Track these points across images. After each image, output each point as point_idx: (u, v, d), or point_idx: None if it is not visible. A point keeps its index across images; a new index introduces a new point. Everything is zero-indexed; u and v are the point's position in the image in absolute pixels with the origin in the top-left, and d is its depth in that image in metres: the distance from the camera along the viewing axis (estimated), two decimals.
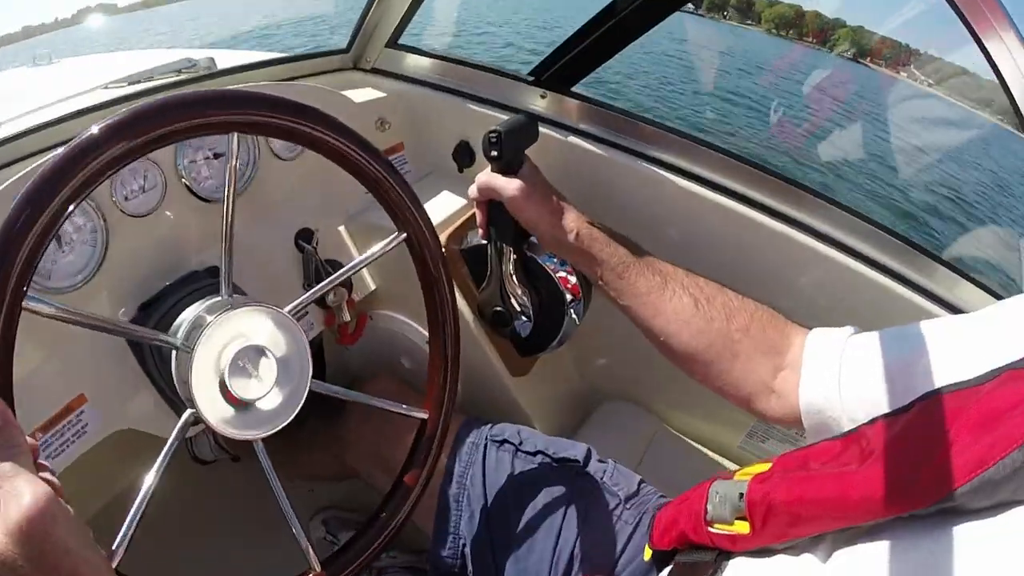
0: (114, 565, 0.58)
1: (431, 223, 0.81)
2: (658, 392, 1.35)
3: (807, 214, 1.06)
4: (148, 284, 0.88)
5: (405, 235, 0.80)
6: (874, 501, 0.53)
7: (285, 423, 0.70)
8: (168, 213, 0.90)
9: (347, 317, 1.05)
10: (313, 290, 0.77)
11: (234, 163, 0.67)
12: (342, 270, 0.79)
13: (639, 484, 0.98)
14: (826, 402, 0.72)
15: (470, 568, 0.94)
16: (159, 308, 0.84)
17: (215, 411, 0.66)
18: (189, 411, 0.67)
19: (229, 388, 0.65)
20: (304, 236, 1.03)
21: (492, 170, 0.93)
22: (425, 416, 0.84)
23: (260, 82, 1.22)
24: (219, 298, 0.74)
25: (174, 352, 0.70)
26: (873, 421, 0.60)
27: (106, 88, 1.34)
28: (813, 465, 0.62)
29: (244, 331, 0.67)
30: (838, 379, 0.72)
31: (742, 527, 0.63)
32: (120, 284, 0.85)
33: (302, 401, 0.71)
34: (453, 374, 0.86)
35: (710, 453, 1.34)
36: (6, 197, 0.75)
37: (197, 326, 0.71)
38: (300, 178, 1.06)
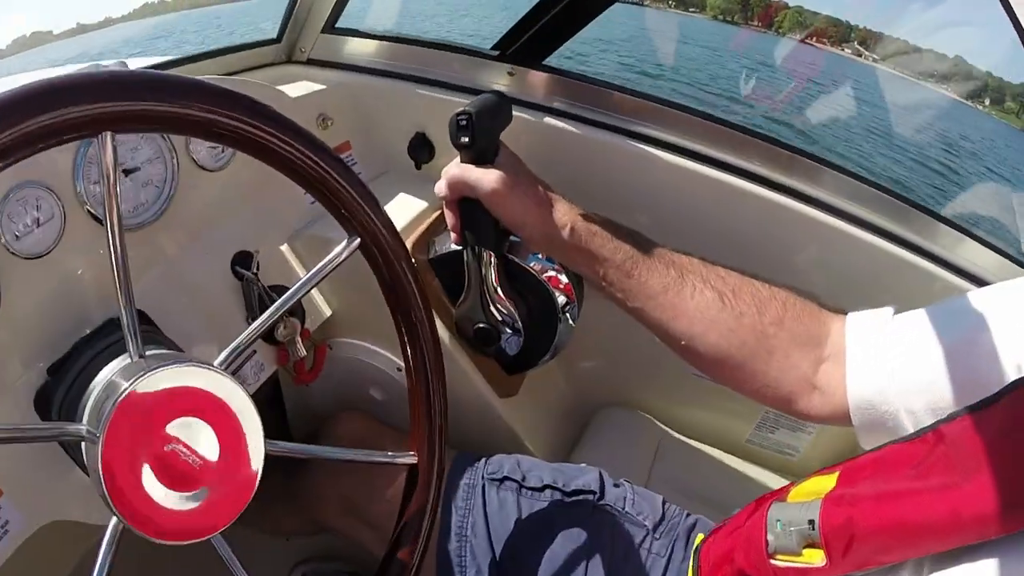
0: None
1: (392, 224, 0.64)
2: (655, 393, 1.26)
3: (804, 182, 0.98)
4: (56, 340, 0.71)
5: (359, 240, 0.62)
6: (990, 518, 0.46)
7: (243, 508, 0.54)
8: (72, 250, 0.73)
9: (302, 352, 0.89)
10: (251, 328, 0.60)
11: (111, 175, 0.48)
12: (285, 296, 0.62)
13: (663, 506, 0.87)
14: (878, 394, 0.64)
15: None
16: (72, 369, 0.67)
17: (136, 512, 0.50)
18: (114, 519, 0.50)
19: (154, 478, 0.49)
20: (241, 261, 0.86)
21: (462, 160, 0.78)
22: (414, 461, 0.68)
23: None
24: (128, 359, 0.57)
25: (83, 444, 0.53)
26: (952, 417, 0.52)
27: None
28: (898, 478, 0.54)
29: (156, 400, 0.51)
30: (889, 367, 0.63)
31: (814, 557, 0.56)
32: (22, 343, 0.69)
33: (259, 475, 0.55)
34: (440, 407, 0.70)
35: (718, 452, 1.26)
36: None
37: (102, 402, 0.55)
38: (231, 192, 0.89)
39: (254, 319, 0.85)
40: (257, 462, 0.54)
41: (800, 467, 1.21)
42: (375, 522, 0.81)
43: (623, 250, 0.75)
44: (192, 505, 0.51)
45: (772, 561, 0.58)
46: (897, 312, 0.68)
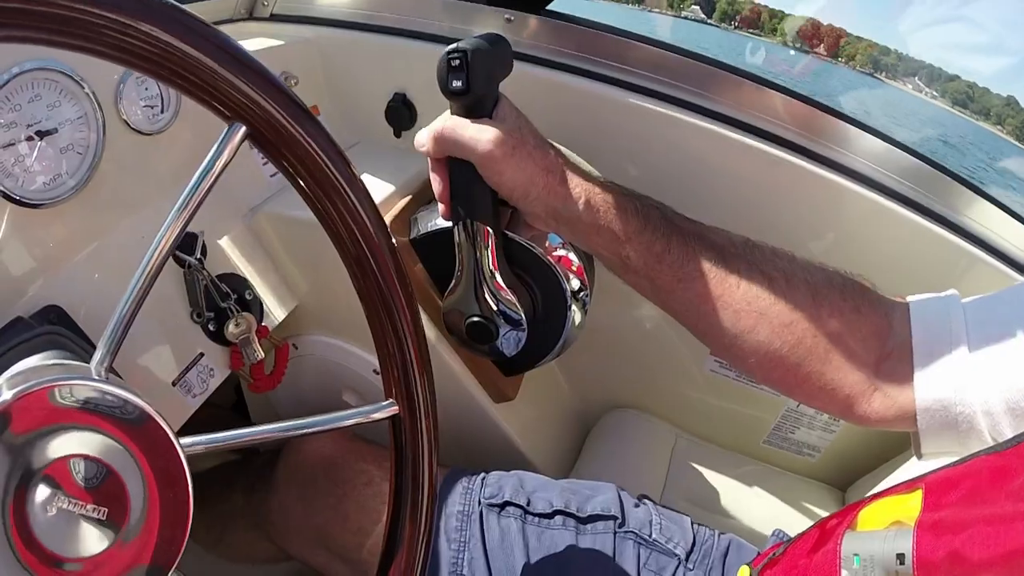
0: None
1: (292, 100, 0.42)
2: (667, 393, 1.15)
3: (838, 148, 0.87)
4: None
5: (243, 128, 0.40)
6: None
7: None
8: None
9: (260, 353, 0.73)
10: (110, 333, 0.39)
11: None
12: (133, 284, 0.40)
13: (693, 528, 0.75)
14: (952, 393, 0.54)
15: None
16: None
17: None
18: None
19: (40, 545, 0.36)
20: (183, 245, 0.71)
21: (453, 112, 0.62)
22: (395, 411, 0.49)
23: None
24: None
25: None
26: None
27: None
28: (1001, 499, 0.44)
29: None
30: (964, 362, 0.54)
31: None
32: None
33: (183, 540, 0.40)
34: (429, 420, 0.52)
35: (735, 455, 1.16)
36: None
37: None
38: (171, 160, 0.74)
39: (199, 315, 0.71)
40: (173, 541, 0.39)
41: (820, 469, 1.13)
42: (350, 556, 0.68)
43: (650, 227, 0.60)
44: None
45: None
46: (963, 298, 0.58)
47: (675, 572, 0.69)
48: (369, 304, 0.47)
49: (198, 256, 0.70)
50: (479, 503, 0.72)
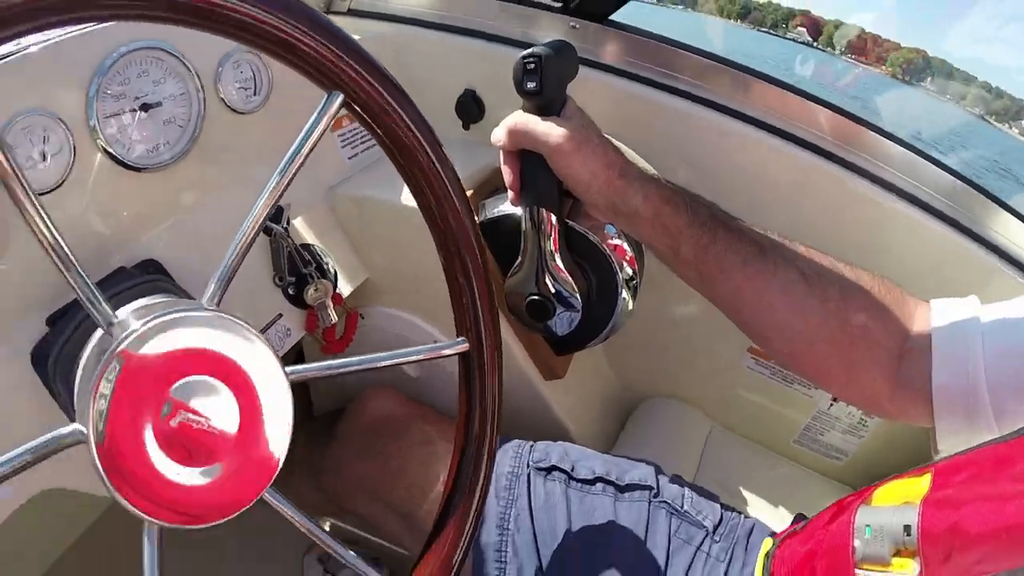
0: None
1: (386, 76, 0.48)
2: (705, 386, 1.20)
3: (875, 161, 0.91)
4: (60, 288, 0.64)
5: (341, 97, 0.46)
6: None
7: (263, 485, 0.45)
8: (81, 189, 0.66)
9: (333, 318, 0.81)
10: (222, 270, 0.47)
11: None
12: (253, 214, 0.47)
13: (721, 506, 0.80)
14: (967, 390, 0.59)
15: None
16: (71, 322, 0.61)
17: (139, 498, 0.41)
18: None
19: (163, 453, 0.41)
20: (271, 215, 0.78)
21: (525, 110, 0.69)
22: (465, 348, 0.56)
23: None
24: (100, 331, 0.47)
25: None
26: None
27: None
28: (1002, 480, 0.49)
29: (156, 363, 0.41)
30: (980, 361, 0.59)
31: (905, 566, 0.51)
32: (22, 292, 0.62)
33: (288, 438, 0.46)
34: (494, 359, 0.58)
35: (765, 451, 1.20)
36: None
37: (85, 385, 0.46)
38: (262, 138, 0.81)
39: (281, 279, 0.78)
40: (282, 438, 0.45)
41: (847, 472, 1.16)
42: (404, 509, 0.74)
43: (698, 222, 0.66)
44: (199, 478, 0.42)
45: (858, 570, 0.54)
46: (983, 304, 0.63)
47: (702, 542, 0.75)
48: (446, 251, 0.54)
49: (284, 225, 0.78)
50: (528, 466, 0.79)
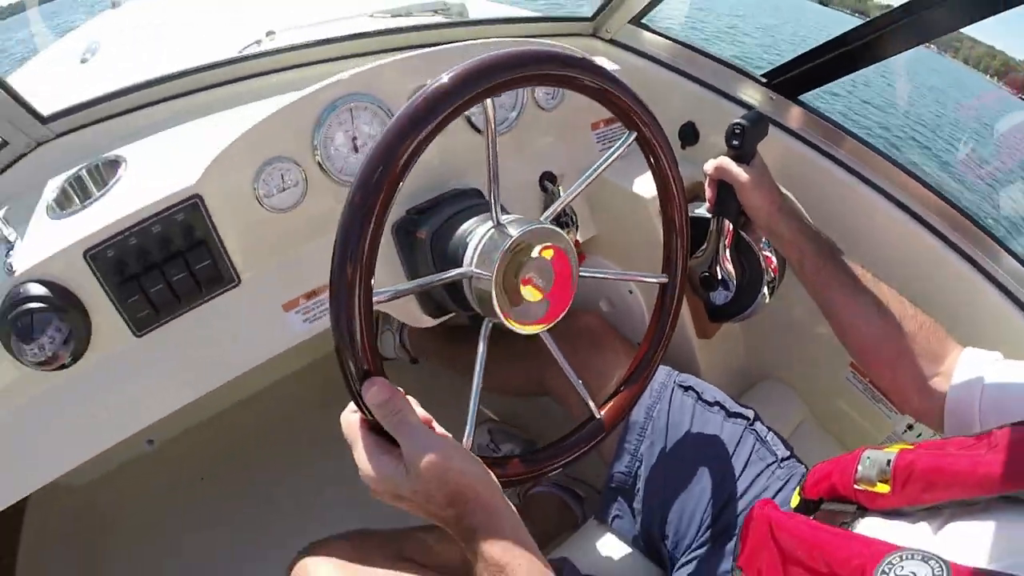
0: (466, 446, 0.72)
1: (658, 124, 0.86)
2: (813, 382, 1.44)
3: (982, 255, 1.13)
4: (417, 195, 1.05)
5: (635, 134, 0.84)
6: (992, 478, 0.64)
7: (562, 315, 0.82)
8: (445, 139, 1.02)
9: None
10: (570, 191, 0.86)
11: (491, 114, 0.73)
12: (586, 174, 0.85)
13: (791, 452, 1.10)
14: (968, 409, 0.86)
15: (639, 486, 1.09)
16: (428, 216, 1.01)
17: (512, 316, 0.78)
18: (488, 320, 0.79)
19: (521, 296, 0.77)
20: (549, 178, 1.20)
21: (727, 155, 1.06)
22: (664, 280, 0.94)
23: (509, 36, 1.40)
24: (490, 221, 0.81)
25: (465, 282, 0.80)
26: (1002, 426, 0.70)
27: (371, 17, 1.54)
28: (951, 449, 0.72)
29: (527, 244, 0.78)
30: (981, 394, 0.85)
31: (883, 488, 0.74)
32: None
33: (571, 297, 0.82)
34: (679, 292, 0.94)
35: (841, 451, 1.41)
36: (318, 101, 0.96)
37: (489, 250, 0.79)
38: (554, 128, 1.22)
39: (555, 220, 1.17)
40: (574, 284, 0.82)
41: None
42: (589, 389, 0.92)
43: (820, 250, 1.01)
44: (534, 309, 0.80)
45: (855, 485, 0.76)
46: (1002, 359, 0.89)
47: (770, 465, 1.06)
48: (667, 221, 0.91)
49: (556, 187, 1.19)
50: (674, 382, 1.15)
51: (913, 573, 0.59)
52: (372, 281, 0.61)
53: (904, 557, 0.61)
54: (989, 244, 1.12)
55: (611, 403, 0.92)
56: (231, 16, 2.02)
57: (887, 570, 0.61)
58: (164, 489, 1.80)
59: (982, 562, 0.61)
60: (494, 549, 0.61)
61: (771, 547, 0.77)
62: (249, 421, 1.93)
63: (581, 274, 0.83)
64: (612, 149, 0.84)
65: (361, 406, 0.64)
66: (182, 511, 1.74)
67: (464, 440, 0.72)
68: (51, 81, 1.05)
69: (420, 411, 0.65)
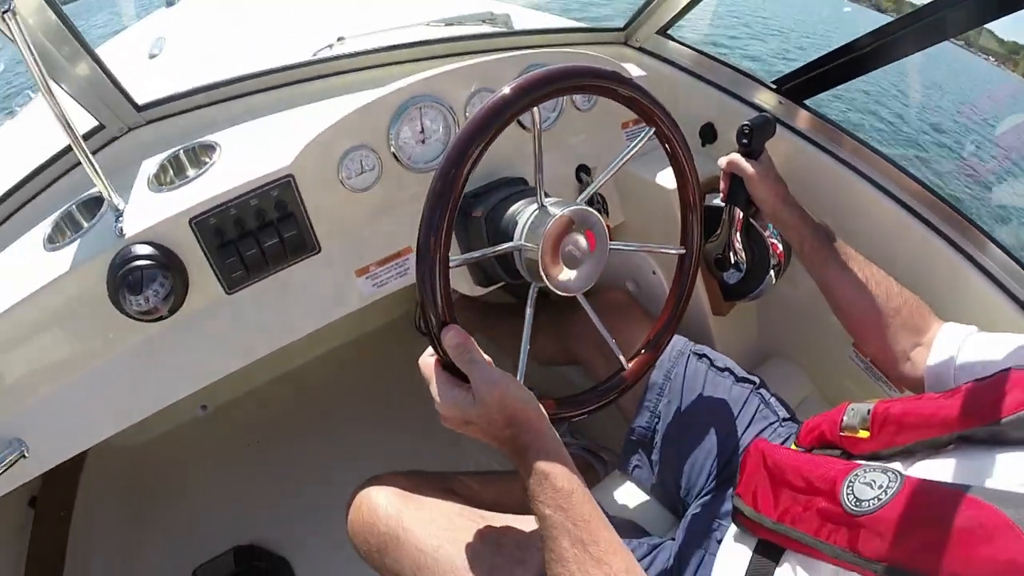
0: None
1: (673, 119, 0.99)
2: (819, 360, 1.56)
3: (968, 245, 1.24)
4: (473, 181, 1.14)
5: (654, 130, 0.98)
6: (950, 418, 0.76)
7: (594, 281, 0.96)
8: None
9: None
10: (591, 187, 1.02)
11: (537, 118, 0.89)
12: (612, 164, 0.99)
13: (792, 415, 1.23)
14: (944, 374, 0.98)
15: (658, 440, 1.24)
16: (482, 199, 1.17)
17: (555, 280, 0.92)
18: (535, 285, 0.95)
19: (562, 263, 0.92)
20: (584, 170, 1.36)
21: (738, 152, 1.21)
22: (683, 251, 1.08)
23: (550, 45, 1.55)
24: (535, 203, 0.96)
25: (516, 253, 0.95)
26: (968, 382, 0.82)
27: (428, 25, 1.71)
28: (923, 400, 0.84)
29: (567, 221, 0.92)
30: (956, 362, 0.97)
31: (864, 434, 0.85)
32: None
33: (603, 265, 0.96)
34: (695, 263, 1.08)
35: None
36: (395, 99, 1.13)
37: (535, 226, 0.94)
38: (589, 127, 1.39)
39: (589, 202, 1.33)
40: (604, 258, 0.95)
41: None
42: (612, 354, 1.06)
43: (818, 236, 1.16)
44: (573, 275, 0.94)
45: (841, 433, 0.88)
46: (977, 332, 1.00)
47: (773, 423, 1.19)
48: (684, 207, 1.05)
49: (590, 178, 1.34)
50: (690, 350, 1.29)
51: (873, 480, 0.73)
52: (448, 252, 0.77)
53: (867, 470, 0.75)
54: (973, 232, 1.24)
55: (640, 355, 1.08)
56: (295, 20, 2.22)
57: (852, 480, 0.75)
58: (216, 451, 2.00)
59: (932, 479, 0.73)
60: (539, 463, 0.76)
61: (763, 474, 0.89)
62: (290, 392, 2.16)
63: (611, 246, 0.97)
64: (635, 141, 0.99)
65: (438, 348, 0.80)
66: (233, 472, 1.94)
67: (518, 377, 0.88)
68: (125, 75, 1.22)
69: (486, 356, 0.81)
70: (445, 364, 0.81)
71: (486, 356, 0.81)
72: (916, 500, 0.68)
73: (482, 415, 0.78)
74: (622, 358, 1.05)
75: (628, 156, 0.99)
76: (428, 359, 0.83)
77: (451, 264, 0.79)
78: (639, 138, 0.99)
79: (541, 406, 0.82)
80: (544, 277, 0.92)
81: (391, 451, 1.90)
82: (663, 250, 1.08)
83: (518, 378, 0.89)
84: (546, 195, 0.97)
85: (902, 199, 1.29)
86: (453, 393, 0.80)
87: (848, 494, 0.74)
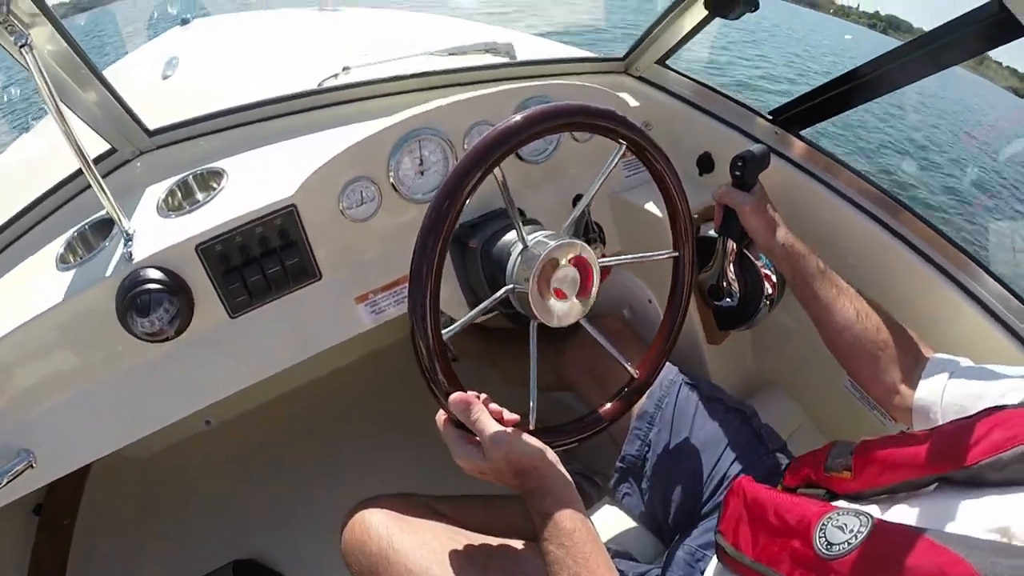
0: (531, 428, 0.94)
1: (656, 144, 1.02)
2: (809, 387, 1.58)
3: (960, 274, 1.26)
4: (469, 211, 1.24)
5: (625, 145, 1.00)
6: (930, 460, 0.77)
7: (590, 305, 0.98)
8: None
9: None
10: (573, 214, 1.04)
11: (501, 177, 0.92)
12: (591, 189, 1.02)
13: (782, 446, 1.26)
14: (932, 407, 0.98)
15: (647, 468, 1.26)
16: (478, 228, 1.20)
17: (550, 316, 0.95)
18: (534, 322, 0.97)
19: (555, 297, 0.95)
20: (579, 198, 1.38)
21: (732, 184, 1.23)
22: (675, 255, 1.10)
23: (551, 75, 1.59)
24: (521, 246, 0.98)
25: (511, 295, 0.98)
26: (951, 421, 0.83)
27: (431, 55, 1.75)
28: (906, 439, 0.84)
29: (551, 261, 0.94)
30: (942, 394, 0.97)
31: (846, 474, 0.87)
32: None
33: (597, 287, 0.98)
34: (690, 269, 1.11)
35: None
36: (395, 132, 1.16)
37: (524, 267, 0.97)
38: (586, 157, 1.42)
39: (577, 236, 1.37)
40: (594, 289, 0.98)
41: None
42: (607, 385, 1.14)
43: (810, 267, 1.16)
44: (567, 305, 0.97)
45: (825, 472, 0.89)
46: (965, 364, 1.00)
47: (762, 455, 1.21)
48: (675, 234, 1.07)
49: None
50: (681, 380, 1.31)
51: (844, 524, 0.75)
52: (443, 335, 0.86)
53: (841, 513, 0.77)
54: (963, 260, 1.25)
55: (645, 360, 1.12)
56: (306, 45, 2.28)
57: (826, 523, 0.77)
58: (219, 465, 2.03)
59: (904, 523, 0.73)
60: (545, 504, 0.85)
61: (744, 512, 0.90)
62: (295, 411, 2.21)
63: (604, 263, 1.00)
64: (609, 159, 1.02)
65: (449, 414, 0.90)
66: (234, 486, 1.98)
67: (530, 418, 0.95)
68: (139, 96, 1.27)
69: (493, 405, 0.90)
70: (456, 422, 0.91)
71: (495, 406, 0.91)
72: (882, 545, 0.70)
73: (492, 468, 0.88)
74: (629, 367, 1.09)
75: (603, 179, 1.02)
76: (442, 416, 0.94)
77: (445, 334, 0.88)
78: (612, 157, 1.02)
79: (548, 451, 0.91)
80: (540, 316, 0.95)
81: (388, 471, 1.94)
82: (656, 257, 1.09)
83: (531, 417, 0.95)
84: (537, 224, 1.00)
85: (896, 229, 1.30)
86: (466, 449, 0.90)
87: (820, 537, 0.76)
